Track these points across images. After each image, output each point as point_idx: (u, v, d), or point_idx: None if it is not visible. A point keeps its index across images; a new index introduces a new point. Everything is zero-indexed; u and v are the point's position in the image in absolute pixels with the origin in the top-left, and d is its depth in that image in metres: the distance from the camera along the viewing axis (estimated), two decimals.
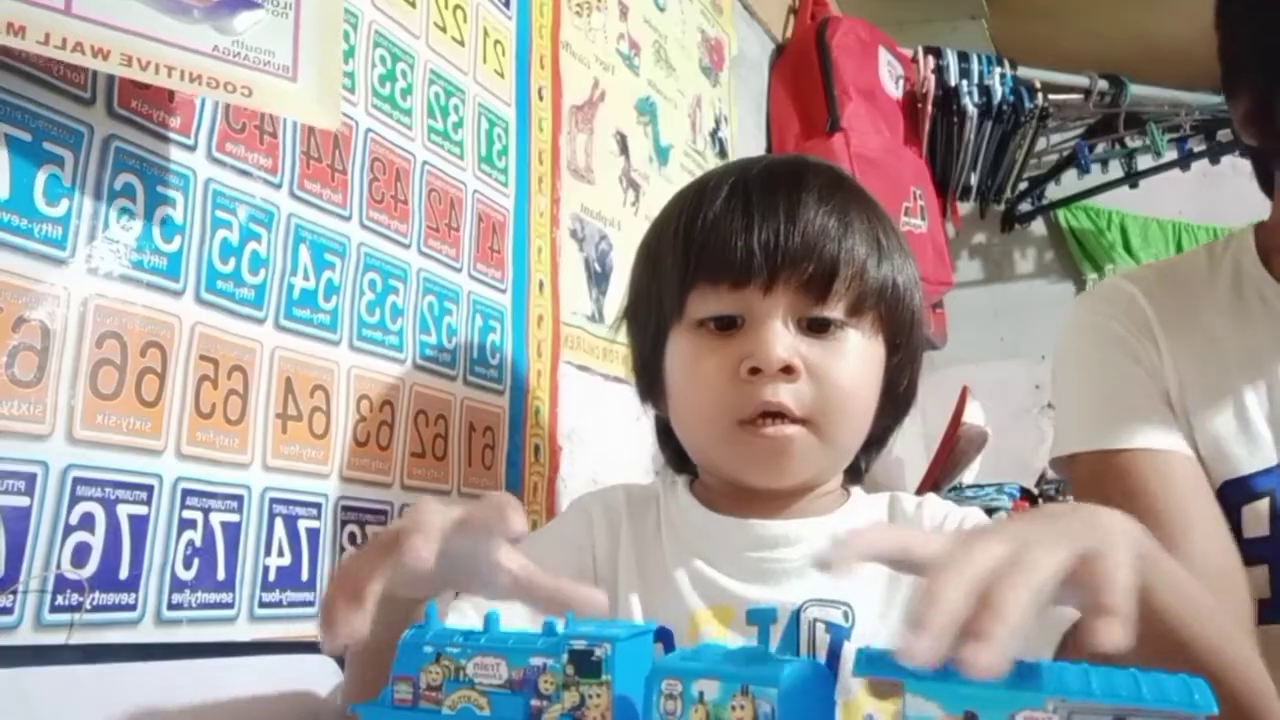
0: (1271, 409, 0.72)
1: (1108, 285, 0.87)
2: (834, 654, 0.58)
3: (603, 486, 0.71)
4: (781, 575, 0.61)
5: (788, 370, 0.59)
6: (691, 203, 0.64)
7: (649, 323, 0.66)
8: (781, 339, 0.59)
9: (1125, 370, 0.79)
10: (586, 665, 0.41)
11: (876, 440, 0.68)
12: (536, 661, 0.42)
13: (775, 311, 0.60)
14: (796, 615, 0.59)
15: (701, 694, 0.39)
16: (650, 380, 0.68)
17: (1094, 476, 0.80)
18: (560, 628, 0.43)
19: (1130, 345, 0.79)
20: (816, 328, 0.60)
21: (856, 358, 0.61)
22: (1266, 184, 0.74)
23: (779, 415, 0.60)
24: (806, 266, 0.59)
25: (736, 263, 0.60)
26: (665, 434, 0.70)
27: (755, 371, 0.59)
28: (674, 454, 0.70)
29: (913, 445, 0.74)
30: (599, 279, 0.99)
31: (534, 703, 0.41)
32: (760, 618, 0.61)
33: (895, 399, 0.67)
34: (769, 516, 0.64)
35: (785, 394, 0.59)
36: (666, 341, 0.64)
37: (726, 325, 0.61)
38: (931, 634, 0.34)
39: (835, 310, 0.60)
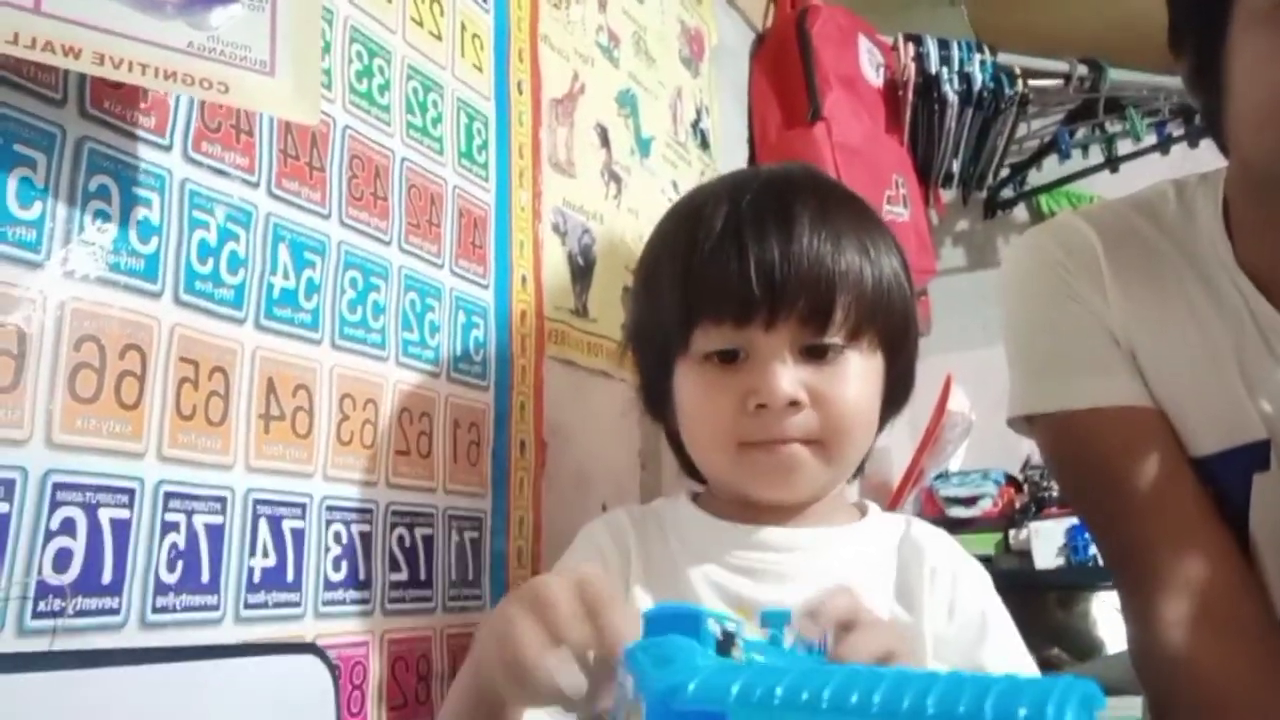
0: (1225, 390, 0.72)
1: (1060, 221, 0.83)
2: None
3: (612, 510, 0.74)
4: (791, 578, 0.64)
5: (794, 404, 0.62)
6: (686, 236, 0.66)
7: (654, 351, 0.69)
8: (786, 375, 0.61)
9: (1072, 313, 0.77)
10: None
11: (876, 432, 0.70)
12: None
13: (778, 346, 0.62)
14: None
15: None
16: (658, 400, 0.71)
17: (1057, 444, 0.80)
18: None
19: (1076, 287, 0.77)
20: (817, 354, 0.63)
21: (858, 379, 0.64)
22: (1221, 146, 0.73)
23: (787, 439, 0.63)
24: (805, 300, 0.61)
25: (737, 302, 0.62)
26: (677, 443, 0.72)
27: (763, 406, 0.62)
28: (687, 461, 0.72)
29: (898, 433, 0.74)
30: (582, 273, 0.99)
31: None
32: (774, 620, 0.63)
33: (894, 400, 0.70)
34: (777, 524, 0.66)
35: (792, 427, 0.62)
36: (673, 369, 0.67)
37: (731, 358, 0.63)
38: None
39: (835, 337, 0.63)
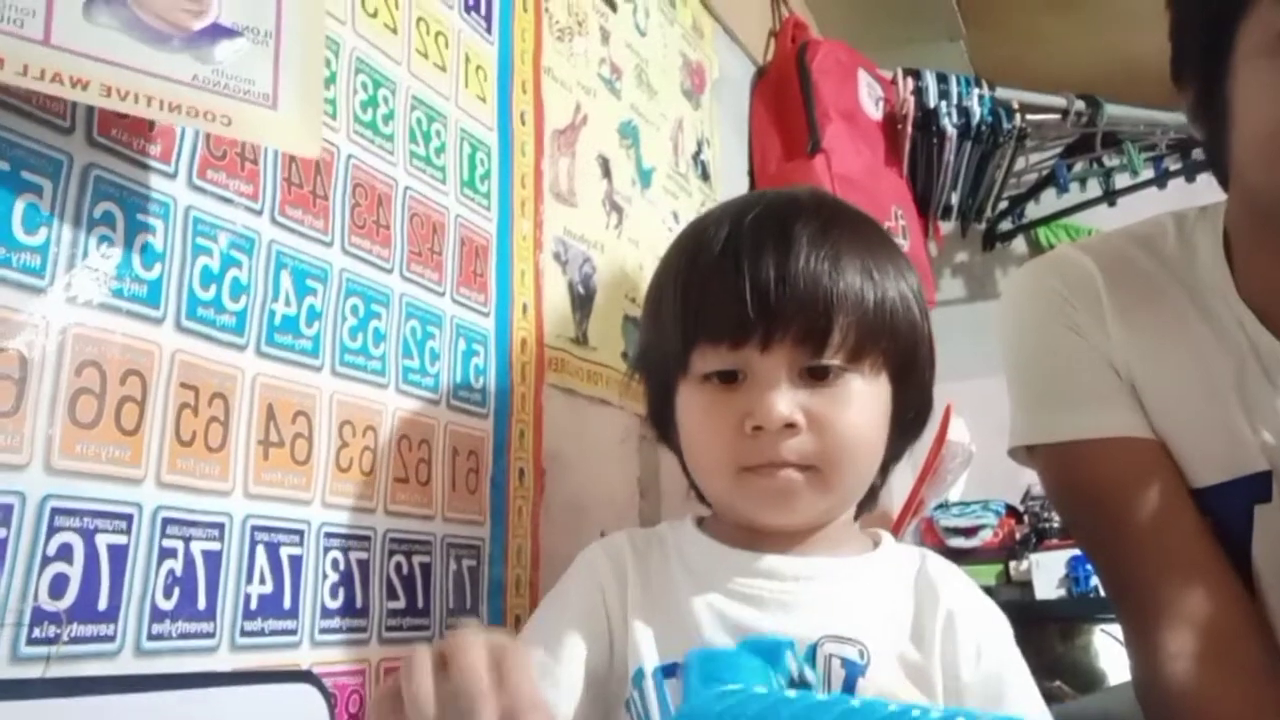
0: (1226, 421, 0.72)
1: (1059, 254, 0.83)
2: (848, 689, 0.59)
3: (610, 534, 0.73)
4: (796, 607, 0.62)
5: (790, 426, 0.60)
6: (688, 258, 0.66)
7: (658, 375, 0.69)
8: (781, 398, 0.60)
9: (1072, 345, 0.77)
10: None
11: (892, 459, 0.69)
12: None
13: (774, 368, 0.61)
14: (813, 650, 0.60)
15: None
16: (664, 424, 0.71)
17: (1058, 475, 0.79)
18: None
19: (1076, 319, 0.77)
20: (817, 375, 0.62)
21: (859, 404, 0.62)
22: (1221, 177, 0.74)
23: (784, 463, 0.61)
24: (801, 321, 0.60)
25: (732, 323, 0.61)
26: (685, 466, 0.72)
27: (759, 428, 0.61)
28: (695, 485, 0.72)
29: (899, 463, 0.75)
30: (582, 302, 0.99)
31: None
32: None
33: (907, 426, 0.68)
34: (783, 551, 0.65)
35: (788, 450, 0.61)
36: (676, 391, 0.66)
37: (730, 379, 0.63)
38: None
39: (834, 358, 0.61)
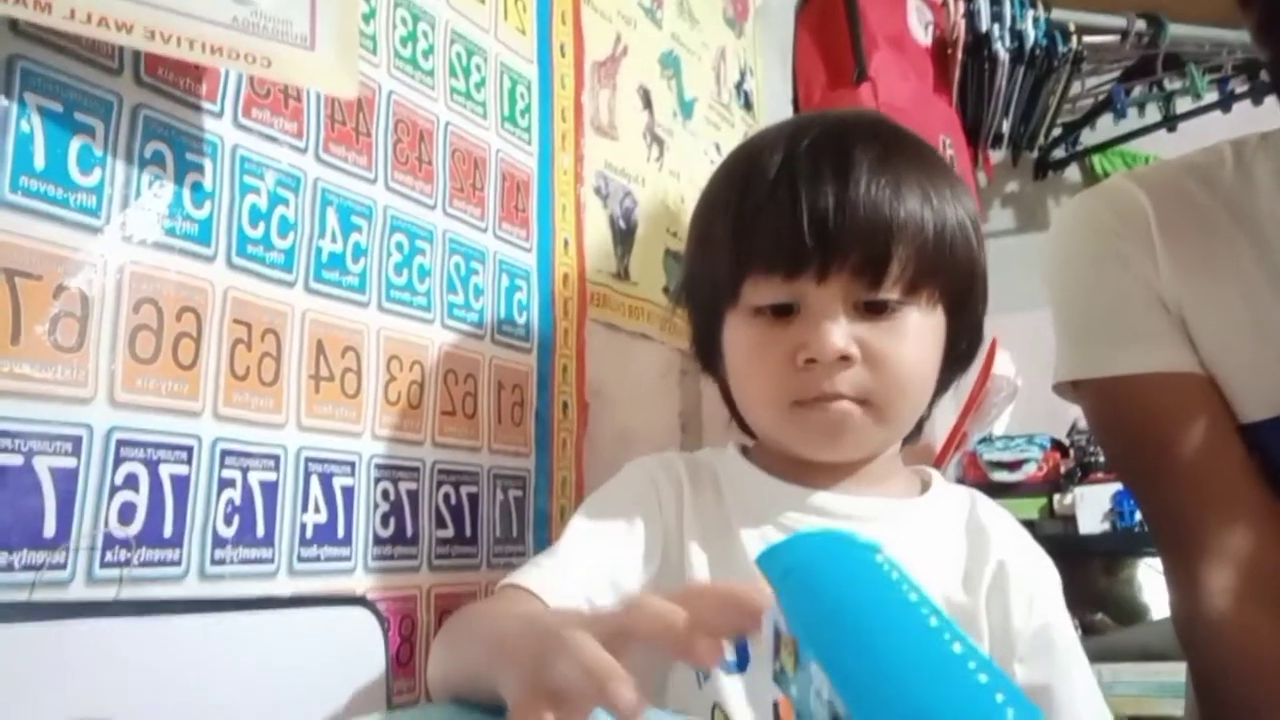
0: (1277, 355, 0.70)
1: (1110, 185, 0.81)
2: None
3: (657, 454, 0.73)
4: None
5: (844, 359, 0.59)
6: (739, 183, 0.64)
7: (705, 304, 0.67)
8: (837, 330, 0.59)
9: (1120, 278, 0.75)
10: None
11: (940, 391, 0.69)
12: None
13: (830, 300, 0.59)
14: None
15: None
16: (709, 355, 0.69)
17: (1102, 409, 0.78)
18: None
19: (1125, 252, 0.75)
20: (874, 309, 0.60)
21: (915, 337, 0.61)
22: None
23: (837, 396, 0.60)
24: (860, 251, 0.59)
25: (788, 252, 0.59)
26: (729, 396, 0.71)
27: (812, 361, 0.60)
28: (738, 414, 0.71)
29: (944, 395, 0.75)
30: (624, 236, 0.99)
31: None
32: None
33: (957, 357, 0.67)
34: (830, 484, 0.65)
35: (842, 383, 0.60)
36: (723, 322, 0.65)
37: (784, 312, 0.61)
38: None
39: (891, 292, 0.60)
